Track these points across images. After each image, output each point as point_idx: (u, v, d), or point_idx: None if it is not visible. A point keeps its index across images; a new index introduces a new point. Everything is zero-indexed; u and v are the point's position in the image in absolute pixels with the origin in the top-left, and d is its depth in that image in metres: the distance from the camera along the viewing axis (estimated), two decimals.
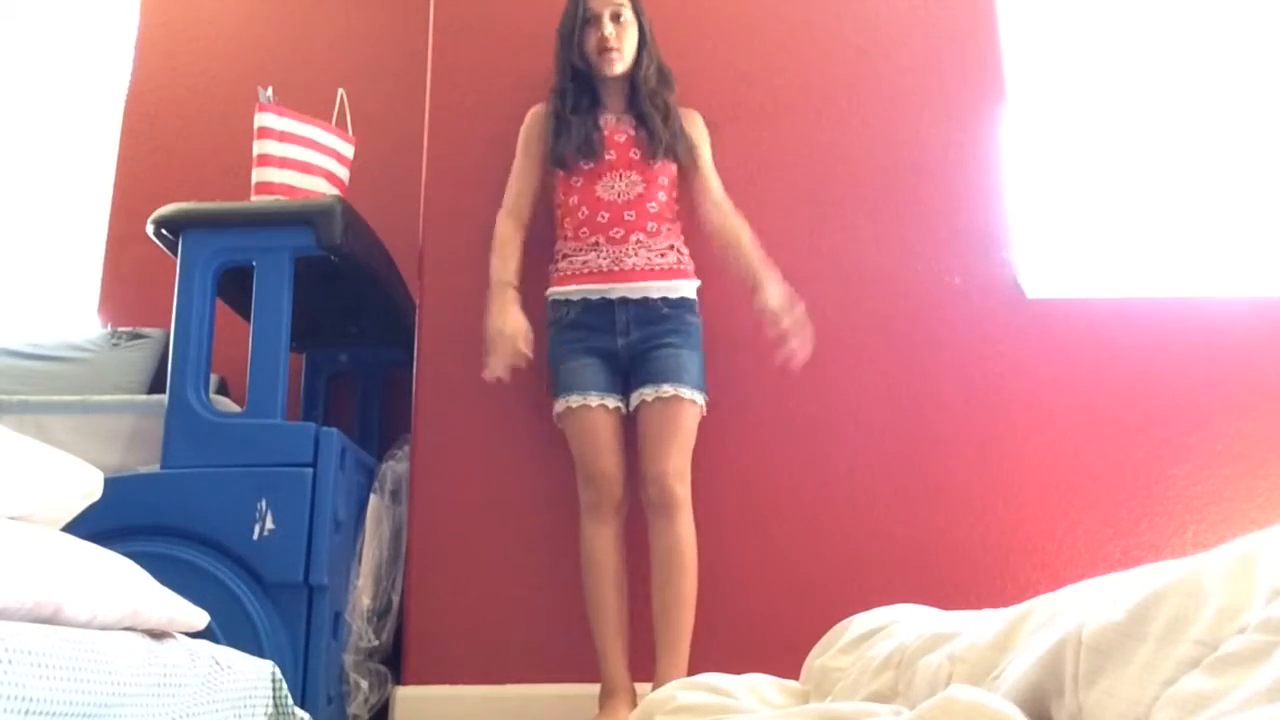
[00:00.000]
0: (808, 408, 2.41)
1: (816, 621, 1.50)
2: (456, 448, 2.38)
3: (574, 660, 2.21)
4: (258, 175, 2.33)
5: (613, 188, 2.26)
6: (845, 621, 1.36)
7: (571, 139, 2.25)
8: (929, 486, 2.37)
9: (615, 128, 2.31)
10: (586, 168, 2.27)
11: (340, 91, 2.57)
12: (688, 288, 2.26)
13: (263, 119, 2.35)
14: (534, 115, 2.37)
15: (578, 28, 2.27)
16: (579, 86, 2.30)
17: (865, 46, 2.62)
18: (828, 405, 2.41)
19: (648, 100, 2.29)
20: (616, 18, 2.26)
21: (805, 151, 2.42)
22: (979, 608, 1.30)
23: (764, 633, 2.25)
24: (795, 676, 1.36)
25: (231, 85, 3.12)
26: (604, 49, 2.25)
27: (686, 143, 2.31)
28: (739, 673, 1.30)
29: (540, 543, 2.31)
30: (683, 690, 1.20)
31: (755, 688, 1.24)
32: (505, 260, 2.30)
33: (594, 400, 2.17)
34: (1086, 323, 2.48)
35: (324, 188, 2.37)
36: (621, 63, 2.27)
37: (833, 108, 2.58)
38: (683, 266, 2.27)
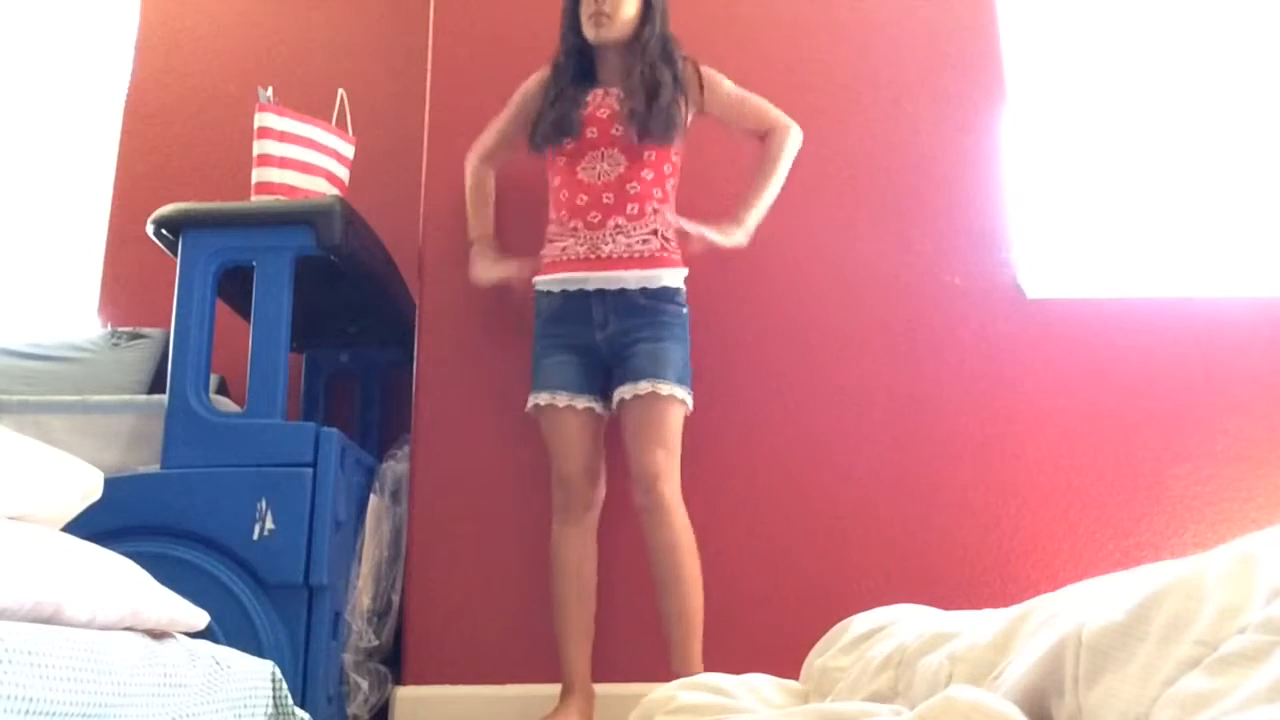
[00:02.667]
0: (808, 407, 2.41)
1: (816, 621, 1.50)
2: (456, 448, 2.38)
3: None
4: (258, 175, 2.33)
5: (593, 168, 2.17)
6: (845, 621, 1.36)
7: (548, 117, 2.19)
8: (929, 486, 2.37)
9: (601, 103, 2.19)
10: (568, 146, 2.18)
11: (340, 91, 2.57)
12: (670, 276, 2.14)
13: (263, 119, 2.35)
14: (535, 79, 2.31)
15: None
16: (578, 61, 2.23)
17: (865, 46, 2.62)
18: (828, 405, 2.41)
19: (640, 74, 2.16)
20: None
21: (805, 152, 2.41)
22: (979, 608, 1.30)
23: (764, 633, 2.25)
24: (795, 676, 1.36)
25: (231, 85, 3.12)
26: (596, 15, 2.16)
27: (675, 121, 2.17)
28: (739, 673, 1.30)
29: (540, 543, 2.30)
30: (683, 690, 1.19)
31: (755, 688, 1.24)
32: (477, 210, 2.36)
33: (562, 400, 2.13)
34: (1086, 323, 2.48)
35: (324, 188, 2.37)
36: (610, 29, 2.16)
37: (833, 108, 2.58)
38: (666, 254, 2.15)
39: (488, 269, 2.30)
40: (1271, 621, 0.60)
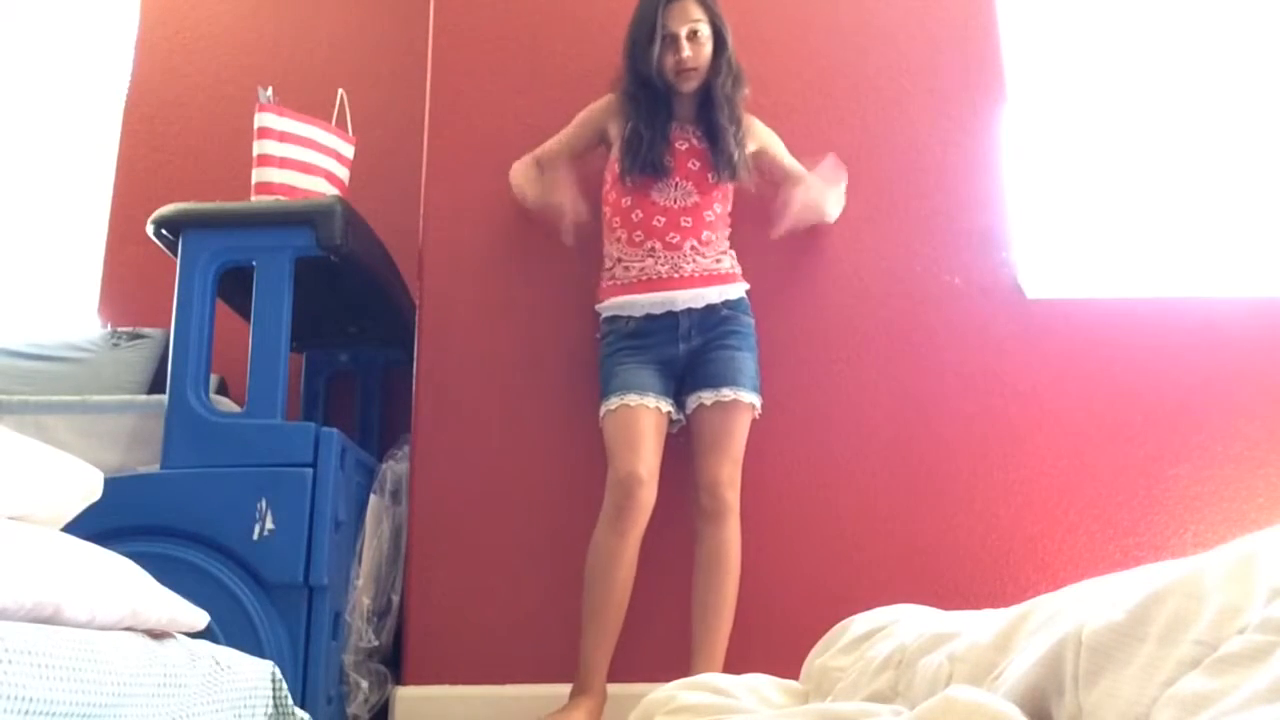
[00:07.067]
0: (807, 407, 2.40)
1: (816, 621, 1.50)
2: (456, 448, 2.37)
3: (574, 661, 2.21)
4: (258, 175, 2.33)
5: (667, 193, 2.23)
6: (845, 621, 1.36)
7: (640, 159, 2.20)
8: (929, 486, 2.37)
9: (680, 135, 2.27)
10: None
11: (340, 91, 2.57)
12: (742, 289, 2.26)
13: (263, 119, 2.35)
14: (604, 106, 2.33)
15: (656, 44, 2.19)
16: (654, 97, 2.24)
17: (865, 46, 2.62)
18: (828, 405, 2.41)
19: (722, 112, 2.23)
20: (694, 35, 2.20)
21: (805, 152, 2.41)
22: (979, 608, 1.30)
23: (764, 633, 2.25)
24: (795, 676, 1.36)
25: (231, 85, 3.12)
26: (681, 70, 2.21)
27: (748, 160, 2.28)
28: (739, 673, 1.30)
29: (541, 543, 2.31)
30: (683, 690, 1.20)
31: (755, 688, 1.24)
32: (534, 181, 2.33)
33: (650, 401, 2.14)
34: (1086, 323, 2.48)
35: (324, 188, 2.37)
36: (699, 78, 2.23)
37: (833, 108, 2.57)
38: (735, 271, 2.27)
39: (543, 188, 2.29)
40: (1271, 621, 0.60)
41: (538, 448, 2.36)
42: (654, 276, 2.20)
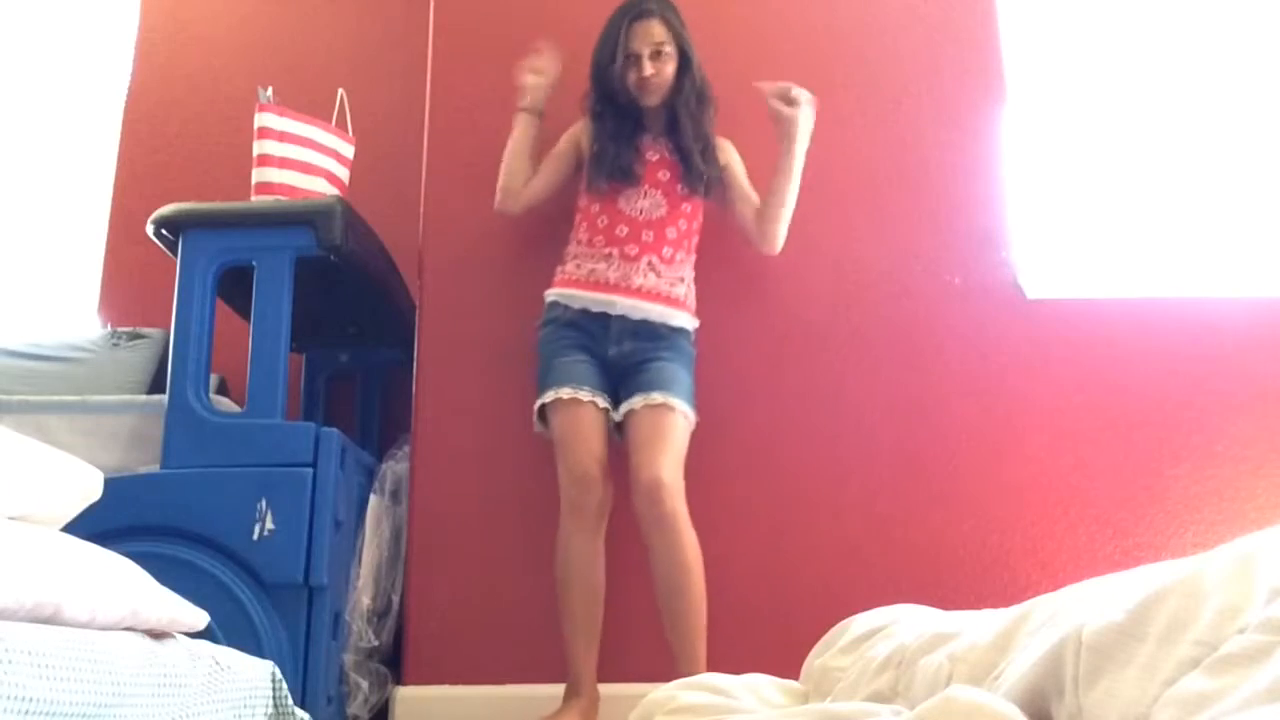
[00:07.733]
0: (807, 408, 2.40)
1: (816, 621, 1.50)
2: (456, 448, 2.38)
3: None
4: (258, 175, 2.33)
5: (635, 204, 2.24)
6: (845, 621, 1.36)
7: (607, 166, 2.23)
8: (929, 486, 2.37)
9: (651, 146, 2.29)
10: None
11: (340, 91, 2.57)
12: (690, 321, 2.26)
13: (263, 119, 2.35)
14: (582, 125, 2.35)
15: (618, 63, 2.22)
16: (620, 112, 2.27)
17: (865, 47, 2.62)
18: (827, 405, 2.41)
19: (688, 130, 2.26)
20: (657, 55, 2.22)
21: (806, 152, 2.41)
22: (979, 608, 1.30)
23: (764, 633, 2.25)
24: (795, 676, 1.36)
25: (231, 85, 3.12)
26: (642, 85, 2.23)
27: (718, 176, 2.30)
28: (739, 673, 1.30)
29: (540, 543, 2.30)
30: (683, 690, 1.19)
31: (755, 688, 1.24)
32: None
33: (584, 395, 2.13)
34: (1086, 323, 2.48)
35: (324, 188, 2.37)
36: (660, 94, 2.26)
37: (833, 108, 2.57)
38: (687, 302, 2.26)
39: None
40: (1271, 621, 0.60)
41: (538, 448, 2.35)
42: (601, 280, 2.21)
